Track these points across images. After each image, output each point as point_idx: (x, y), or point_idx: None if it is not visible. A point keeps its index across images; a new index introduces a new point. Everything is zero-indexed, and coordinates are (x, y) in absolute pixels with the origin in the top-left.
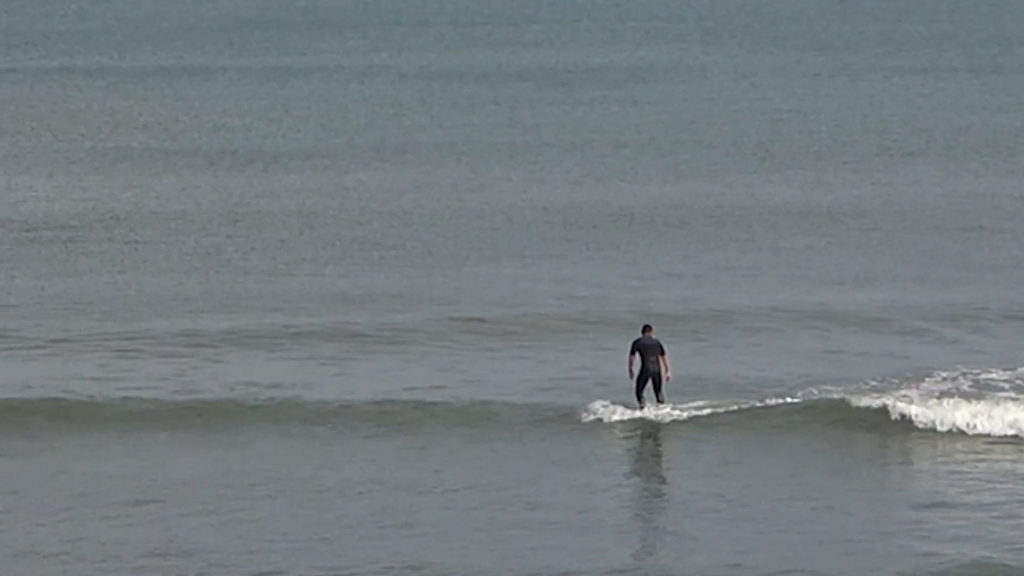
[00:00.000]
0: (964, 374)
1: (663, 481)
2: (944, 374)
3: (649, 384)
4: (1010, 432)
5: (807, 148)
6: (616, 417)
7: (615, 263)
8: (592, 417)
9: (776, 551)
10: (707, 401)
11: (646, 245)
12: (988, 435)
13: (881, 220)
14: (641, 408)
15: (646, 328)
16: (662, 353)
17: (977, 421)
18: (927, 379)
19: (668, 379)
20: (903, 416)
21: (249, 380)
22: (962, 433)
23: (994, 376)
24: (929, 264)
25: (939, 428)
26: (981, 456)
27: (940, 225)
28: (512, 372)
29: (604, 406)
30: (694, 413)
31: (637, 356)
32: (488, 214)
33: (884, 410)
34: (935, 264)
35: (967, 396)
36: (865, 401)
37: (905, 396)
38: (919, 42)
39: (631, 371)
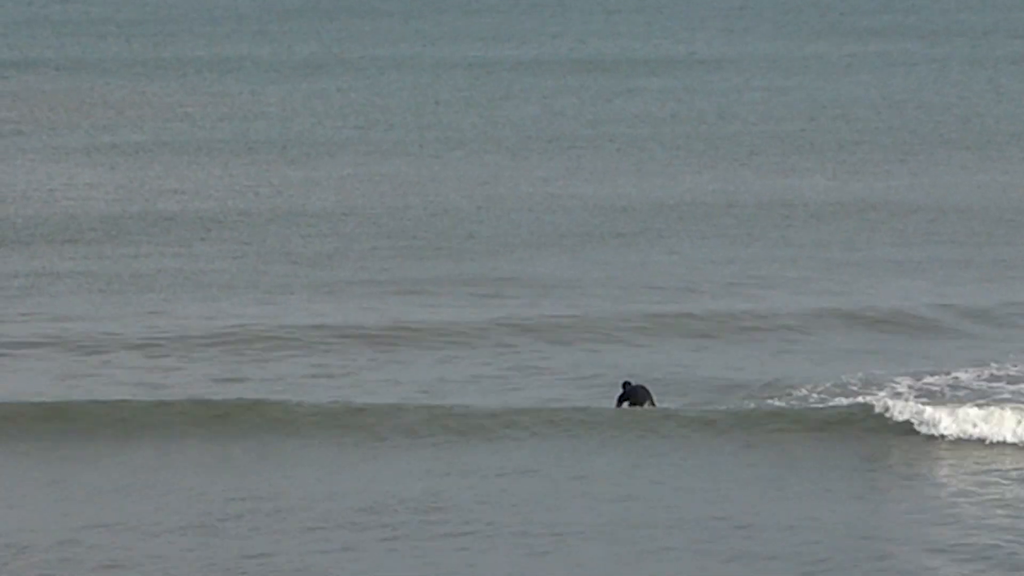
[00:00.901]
0: (1010, 367)
1: (673, 489)
2: (988, 368)
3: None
4: None
5: (845, 138)
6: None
7: (656, 252)
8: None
9: (791, 568)
10: (721, 403)
11: (686, 235)
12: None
13: (920, 211)
14: None
15: (626, 384)
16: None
17: (1007, 426)
18: (961, 379)
19: None
20: (934, 424)
21: (293, 375)
22: (1006, 443)
23: None
24: (970, 255)
25: (969, 437)
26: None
27: (980, 215)
28: (552, 364)
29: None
30: (711, 414)
31: (625, 404)
32: (529, 205)
33: (916, 416)
34: (975, 255)
35: (999, 398)
36: (896, 408)
37: (940, 399)
38: (958, 31)
39: None
